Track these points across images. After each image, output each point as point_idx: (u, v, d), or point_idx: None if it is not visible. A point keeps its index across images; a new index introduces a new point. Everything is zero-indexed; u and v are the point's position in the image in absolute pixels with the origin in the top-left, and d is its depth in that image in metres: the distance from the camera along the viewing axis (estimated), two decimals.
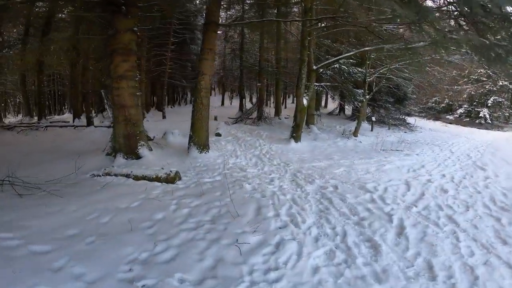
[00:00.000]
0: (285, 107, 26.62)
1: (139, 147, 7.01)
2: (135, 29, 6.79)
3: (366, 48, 10.62)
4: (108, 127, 13.01)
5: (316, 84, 11.48)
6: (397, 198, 4.84)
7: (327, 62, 10.86)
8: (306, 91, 10.06)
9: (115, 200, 4.47)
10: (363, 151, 9.23)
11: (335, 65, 12.50)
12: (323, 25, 10.57)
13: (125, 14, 6.56)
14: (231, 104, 30.38)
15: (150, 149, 7.34)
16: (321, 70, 12.19)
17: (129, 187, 5.12)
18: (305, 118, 12.78)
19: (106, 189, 4.98)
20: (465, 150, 10.29)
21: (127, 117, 6.79)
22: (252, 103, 25.90)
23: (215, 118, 16.27)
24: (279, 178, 5.84)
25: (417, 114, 26.95)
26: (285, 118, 16.99)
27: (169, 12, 12.96)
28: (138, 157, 6.95)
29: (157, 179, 5.39)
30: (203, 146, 7.46)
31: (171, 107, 26.01)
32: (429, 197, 4.92)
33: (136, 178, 5.48)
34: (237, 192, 4.88)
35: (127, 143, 6.92)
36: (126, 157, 6.90)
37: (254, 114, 16.30)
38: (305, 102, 9.86)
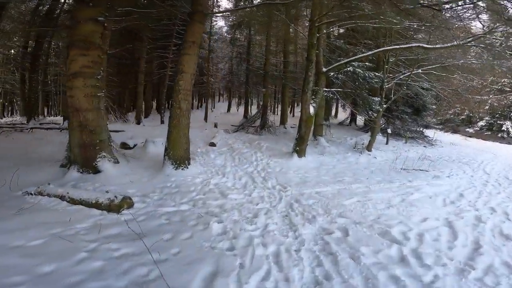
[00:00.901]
0: (293, 115, 24.93)
1: (98, 160, 5.54)
2: (101, 19, 5.41)
3: (386, 48, 8.90)
4: None
5: (326, 89, 9.83)
6: (441, 253, 3.12)
7: (339, 63, 9.14)
8: (313, 97, 8.43)
9: (22, 231, 3.13)
10: (380, 170, 7.46)
11: (348, 68, 10.81)
12: (333, 19, 8.93)
13: (87, 2, 5.24)
14: (237, 110, 28.91)
15: (116, 162, 5.86)
16: (331, 73, 10.57)
17: (53, 214, 3.66)
18: (312, 129, 11.18)
19: (22, 215, 3.58)
20: (500, 171, 8.41)
21: (82, 122, 5.35)
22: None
23: (215, 125, 14.82)
24: (268, 211, 4.18)
25: (434, 126, 24.69)
26: (291, 127, 15.34)
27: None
28: (96, 171, 5.48)
29: (97, 205, 3.86)
30: (181, 161, 5.91)
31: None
32: (489, 250, 3.23)
33: (72, 201, 4.01)
34: (196, 236, 3.25)
35: (83, 154, 5.47)
36: (81, 171, 5.45)
37: (258, 122, 14.74)
38: (312, 110, 8.21)
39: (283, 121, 15.26)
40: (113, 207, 3.85)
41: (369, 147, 10.04)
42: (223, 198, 4.70)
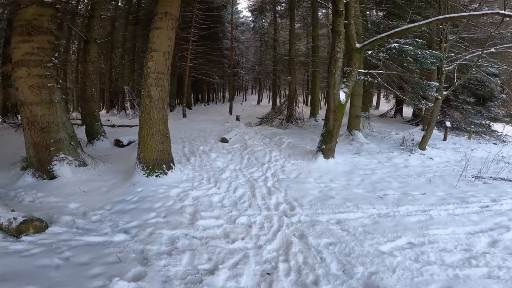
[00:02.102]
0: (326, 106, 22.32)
1: (54, 163, 4.30)
2: (47, 0, 4.11)
3: (448, 16, 6.32)
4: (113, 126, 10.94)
5: (362, 71, 7.54)
6: None
7: (379, 36, 6.70)
8: (344, 80, 6.30)
9: None
10: (441, 179, 5.14)
11: (393, 45, 8.30)
12: None
13: None
14: (269, 102, 26.95)
15: (82, 165, 4.58)
16: (369, 51, 8.22)
17: None
18: (347, 122, 8.94)
19: None
20: None
21: (29, 119, 4.19)
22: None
23: (237, 118, 13.24)
24: (243, 257, 2.41)
25: (504, 119, 19.82)
26: (322, 119, 13.11)
27: None
28: (51, 176, 4.27)
29: None
30: (154, 166, 4.38)
31: (205, 105, 23.90)
32: None
33: None
34: None
35: (36, 156, 4.29)
36: (36, 175, 4.30)
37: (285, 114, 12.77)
38: (342, 96, 6.08)
39: (313, 112, 13.07)
40: (11, 231, 2.59)
41: (422, 145, 7.55)
42: (188, 225, 3.05)
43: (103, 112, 19.55)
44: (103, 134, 7.15)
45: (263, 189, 4.32)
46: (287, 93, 26.28)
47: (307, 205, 3.69)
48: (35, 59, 4.16)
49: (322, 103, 20.79)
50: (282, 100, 16.94)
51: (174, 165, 4.67)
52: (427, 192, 4.34)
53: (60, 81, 4.55)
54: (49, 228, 2.81)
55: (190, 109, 19.55)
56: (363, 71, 7.40)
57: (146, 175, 4.25)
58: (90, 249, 2.48)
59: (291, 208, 3.58)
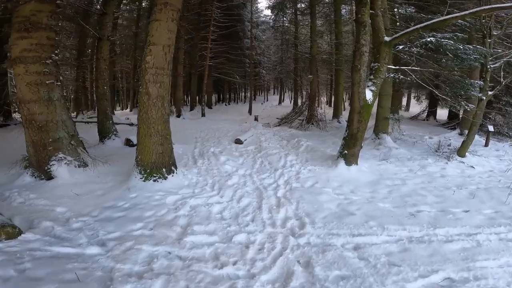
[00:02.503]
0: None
1: (51, 163, 4.09)
2: None
3: (497, 6, 5.40)
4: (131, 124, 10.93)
5: (392, 67, 6.72)
6: None
7: (413, 28, 5.85)
8: (371, 77, 5.58)
9: None
10: (487, 194, 4.24)
11: (428, 39, 7.35)
12: None
13: None
14: (291, 103, 26.18)
15: (82, 165, 4.36)
16: (399, 46, 7.36)
17: None
18: (374, 124, 8.10)
19: None
20: None
21: (27, 117, 4.03)
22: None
23: (256, 119, 12.77)
24: None
25: None
26: (346, 121, 12.25)
27: None
28: (49, 177, 4.06)
29: None
30: (153, 169, 4.01)
31: (226, 105, 23.73)
32: None
33: None
34: None
35: (35, 156, 4.13)
36: (35, 175, 4.13)
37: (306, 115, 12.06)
38: (368, 95, 5.36)
39: (336, 113, 12.25)
40: None
41: (461, 151, 6.56)
42: (175, 240, 2.62)
43: (127, 110, 20.05)
44: (114, 133, 7.02)
45: (271, 199, 3.79)
46: (308, 94, 25.36)
47: (321, 222, 3.10)
48: (33, 55, 3.99)
49: (347, 104, 19.72)
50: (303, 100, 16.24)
51: (176, 168, 4.29)
52: (471, 209, 3.56)
53: (61, 78, 4.36)
54: (22, 235, 2.55)
55: (211, 108, 19.46)
56: (393, 67, 6.58)
57: (143, 179, 3.90)
58: (53, 262, 2.16)
59: (300, 226, 3.01)
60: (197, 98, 18.45)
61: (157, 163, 3.98)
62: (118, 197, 3.56)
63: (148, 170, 3.95)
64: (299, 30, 15.03)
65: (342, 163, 5.38)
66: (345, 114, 13.70)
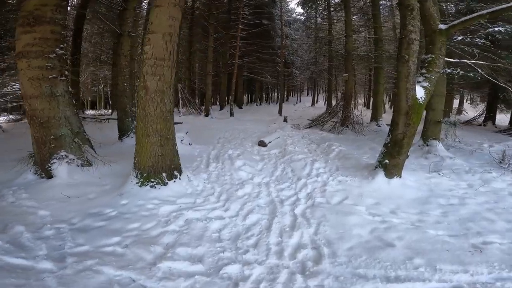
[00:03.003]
0: (392, 109, 19.20)
1: (53, 161, 3.79)
2: None
3: None
4: None
5: (450, 60, 5.44)
6: None
7: (478, 14, 4.55)
8: (423, 71, 4.47)
9: None
10: None
11: (496, 28, 5.93)
12: None
13: None
14: (324, 104, 24.79)
15: (86, 164, 4.02)
16: (457, 36, 6.10)
17: None
18: (422, 128, 6.78)
19: None
20: None
21: (29, 113, 3.81)
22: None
23: (285, 119, 11.94)
24: None
25: None
26: (387, 125, 10.87)
27: None
28: (49, 175, 3.77)
29: None
30: (151, 174, 3.47)
31: (257, 105, 23.21)
32: None
33: None
34: None
35: (38, 153, 3.88)
36: (38, 173, 3.88)
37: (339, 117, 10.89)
38: (420, 92, 4.25)
39: (375, 116, 10.91)
40: None
41: None
42: (147, 265, 2.05)
43: None
44: (133, 130, 6.76)
45: (286, 218, 3.00)
46: (343, 94, 23.82)
47: (344, 255, 2.25)
48: (36, 50, 3.76)
49: (387, 106, 17.96)
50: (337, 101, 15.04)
51: (180, 173, 3.71)
52: None
53: (66, 73, 4.06)
54: None
55: (241, 108, 19.06)
56: (452, 60, 5.36)
57: (140, 184, 3.37)
58: None
59: (316, 259, 2.21)
60: (226, 98, 18.17)
61: (155, 166, 3.43)
62: (107, 203, 3.08)
63: (145, 175, 3.41)
64: (333, 25, 13.90)
65: (381, 175, 4.38)
66: (385, 117, 12.27)
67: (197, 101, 16.92)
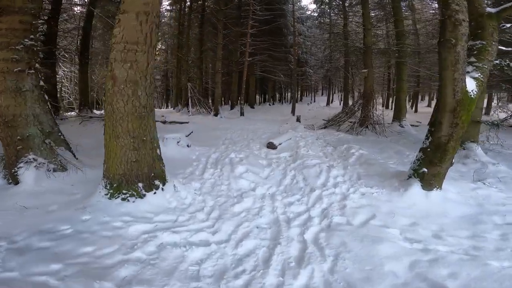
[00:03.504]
0: (415, 111, 17.77)
1: (19, 165, 3.23)
2: None
3: None
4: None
5: (504, 49, 4.43)
6: None
7: None
8: (473, 59, 3.54)
9: None
10: None
11: None
12: None
13: None
14: (340, 104, 23.58)
15: (61, 169, 3.42)
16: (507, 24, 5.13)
17: None
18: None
19: None
20: None
21: None
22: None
23: (298, 119, 11.08)
24: None
25: None
26: (411, 125, 9.78)
27: None
28: (16, 181, 3.21)
29: None
30: (121, 184, 2.77)
31: (269, 104, 22.43)
32: None
33: None
34: None
35: (6, 155, 3.37)
36: (7, 179, 3.33)
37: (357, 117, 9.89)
38: (470, 84, 3.32)
39: (398, 116, 9.81)
40: None
41: None
42: None
43: (169, 108, 20.09)
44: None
45: (292, 246, 2.21)
46: (361, 92, 22.58)
47: None
48: (1, 41, 3.27)
49: (408, 106, 16.72)
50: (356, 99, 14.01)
51: (164, 182, 2.99)
52: None
53: (37, 65, 3.48)
54: None
55: (253, 108, 18.37)
56: (504, 48, 4.39)
57: (109, 196, 2.69)
58: None
59: None
60: (238, 97, 17.57)
61: (128, 175, 2.73)
62: (66, 217, 2.43)
63: (115, 185, 2.72)
64: (349, 20, 12.91)
65: (416, 186, 3.48)
66: (408, 117, 11.13)
67: (209, 101, 16.37)
